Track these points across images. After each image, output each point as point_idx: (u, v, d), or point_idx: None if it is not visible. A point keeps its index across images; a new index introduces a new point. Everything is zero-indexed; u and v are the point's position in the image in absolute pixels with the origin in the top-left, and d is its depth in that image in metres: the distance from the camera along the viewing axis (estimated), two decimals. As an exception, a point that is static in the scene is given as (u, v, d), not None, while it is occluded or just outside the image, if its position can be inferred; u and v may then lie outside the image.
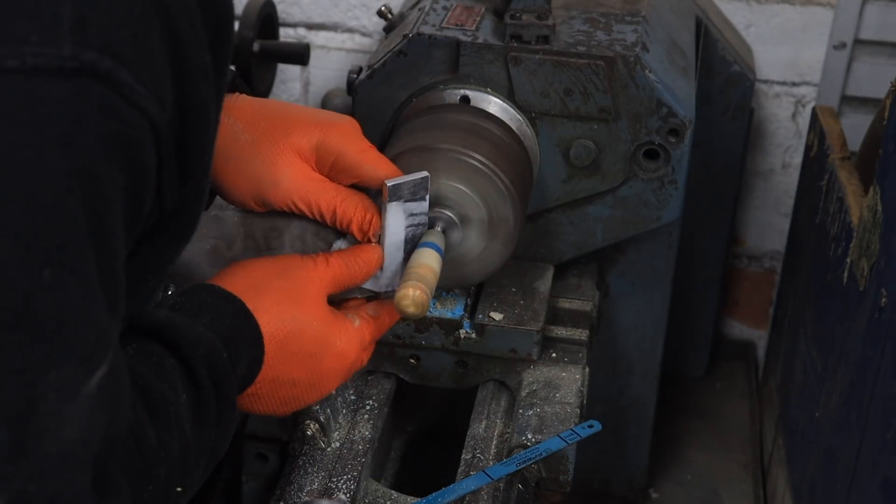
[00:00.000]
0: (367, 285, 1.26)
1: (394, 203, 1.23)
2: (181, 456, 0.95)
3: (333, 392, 1.36)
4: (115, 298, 0.83)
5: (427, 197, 1.27)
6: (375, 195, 1.26)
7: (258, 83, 2.02)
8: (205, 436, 1.00)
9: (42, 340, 0.75)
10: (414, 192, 1.24)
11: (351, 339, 1.20)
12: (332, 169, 1.23)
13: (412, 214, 1.26)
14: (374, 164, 1.23)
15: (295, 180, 1.21)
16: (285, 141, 1.21)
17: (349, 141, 1.24)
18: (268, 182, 1.20)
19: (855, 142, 1.83)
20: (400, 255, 1.27)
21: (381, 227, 1.24)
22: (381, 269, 1.26)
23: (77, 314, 0.78)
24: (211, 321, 1.05)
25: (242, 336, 1.08)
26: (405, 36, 1.59)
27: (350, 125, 1.26)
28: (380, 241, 1.24)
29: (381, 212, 1.24)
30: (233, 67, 1.38)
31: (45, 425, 0.76)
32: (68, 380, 0.77)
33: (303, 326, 1.14)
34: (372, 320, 1.24)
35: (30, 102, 0.74)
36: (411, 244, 1.28)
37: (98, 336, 0.80)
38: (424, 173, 1.26)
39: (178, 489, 0.96)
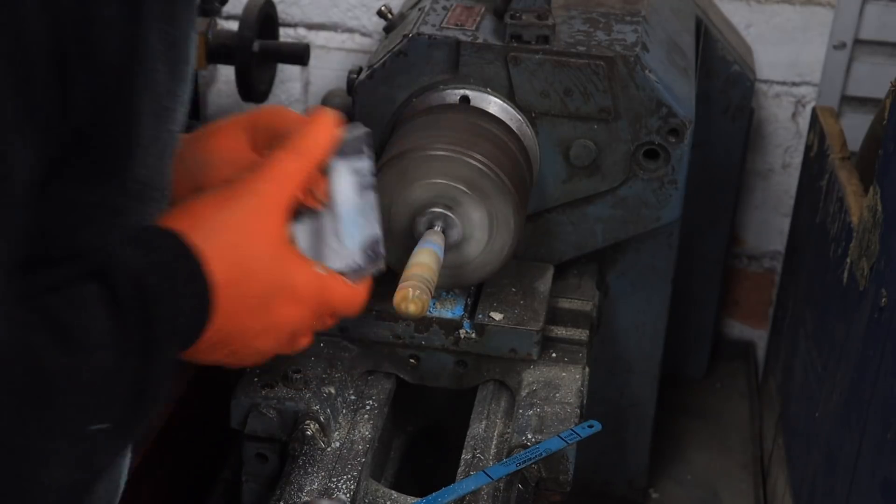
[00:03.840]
0: (331, 263, 1.15)
1: (338, 161, 1.15)
2: (94, 385, 0.87)
3: (304, 348, 1.18)
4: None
5: (370, 154, 1.18)
6: None
7: (258, 83, 2.01)
8: (128, 366, 0.90)
9: None
10: (356, 148, 1.16)
11: (311, 282, 1.07)
12: (267, 146, 1.16)
13: (357, 172, 1.17)
14: (308, 125, 1.13)
15: (229, 159, 1.15)
16: (216, 134, 1.17)
17: (278, 116, 1.18)
18: (202, 168, 1.14)
19: (855, 142, 1.83)
20: (355, 217, 1.18)
21: (330, 189, 1.15)
22: (338, 238, 1.16)
23: None
24: (144, 253, 0.95)
25: (179, 269, 0.97)
26: (405, 36, 1.59)
27: (278, 107, 1.22)
28: (330, 205, 1.15)
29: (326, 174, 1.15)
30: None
31: None
32: None
33: (253, 265, 1.02)
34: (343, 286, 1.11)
35: None
36: (362, 204, 1.18)
37: None
38: (364, 128, 1.17)
39: (101, 426, 0.88)
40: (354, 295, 1.13)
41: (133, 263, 0.93)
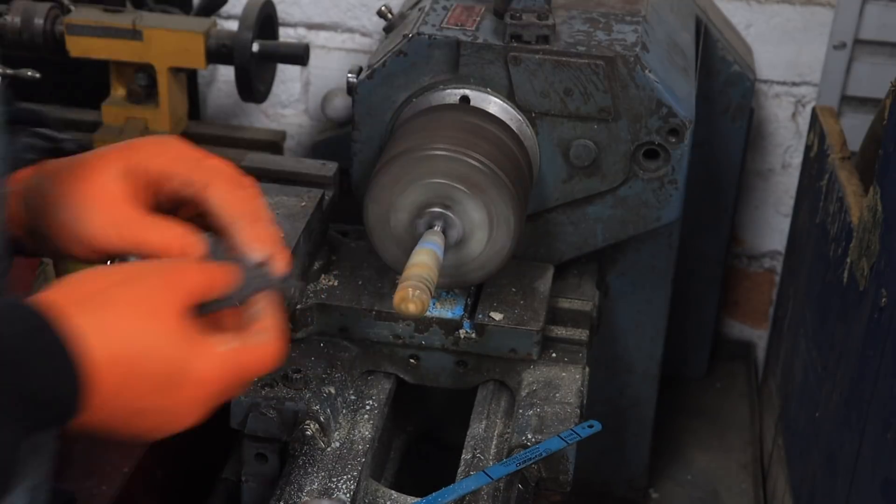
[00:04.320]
0: None
1: None
2: None
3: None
4: None
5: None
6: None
7: (258, 83, 2.02)
8: None
9: None
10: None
11: (213, 364, 1.01)
12: (146, 192, 1.08)
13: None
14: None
15: (104, 211, 1.07)
16: (90, 178, 1.07)
17: (161, 157, 1.08)
18: (73, 214, 1.06)
19: (855, 142, 1.83)
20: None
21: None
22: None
23: None
24: None
25: (34, 341, 0.90)
26: (405, 36, 1.59)
27: (161, 142, 1.10)
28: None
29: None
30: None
31: None
32: None
33: (150, 347, 0.96)
34: (243, 349, 1.04)
35: None
36: None
37: None
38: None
39: None
40: (266, 357, 1.06)
41: None
